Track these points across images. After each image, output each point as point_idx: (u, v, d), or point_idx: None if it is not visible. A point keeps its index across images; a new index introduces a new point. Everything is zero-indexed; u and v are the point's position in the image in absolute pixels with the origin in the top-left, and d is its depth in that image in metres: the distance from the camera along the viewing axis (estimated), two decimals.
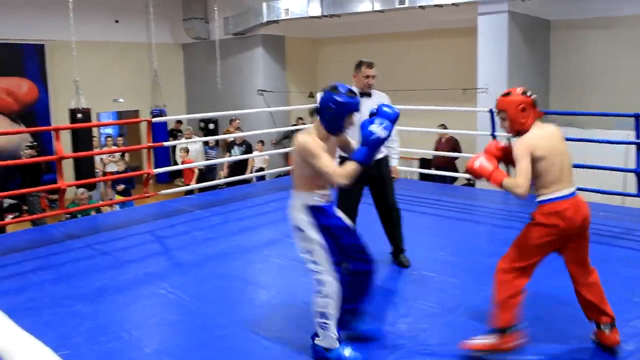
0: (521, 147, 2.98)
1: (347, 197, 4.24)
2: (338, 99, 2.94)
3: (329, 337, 3.01)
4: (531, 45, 10.28)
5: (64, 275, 4.52)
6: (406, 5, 10.41)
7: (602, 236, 5.17)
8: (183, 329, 3.58)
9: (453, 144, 10.26)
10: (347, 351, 3.01)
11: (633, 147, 6.19)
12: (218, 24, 13.44)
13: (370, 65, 4.33)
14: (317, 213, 3.02)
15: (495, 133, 7.10)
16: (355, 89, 3.89)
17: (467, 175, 9.41)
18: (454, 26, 11.70)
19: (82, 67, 10.77)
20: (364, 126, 2.98)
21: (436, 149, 10.18)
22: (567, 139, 8.66)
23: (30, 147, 10.28)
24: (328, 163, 2.91)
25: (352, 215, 4.19)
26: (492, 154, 3.19)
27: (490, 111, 7.05)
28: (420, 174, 10.32)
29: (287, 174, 10.12)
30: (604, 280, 3.20)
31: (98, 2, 12.98)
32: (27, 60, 12.27)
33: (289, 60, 14.26)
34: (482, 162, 3.11)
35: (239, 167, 10.74)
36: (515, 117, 3.04)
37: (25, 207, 10.37)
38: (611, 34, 10.02)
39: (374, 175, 4.32)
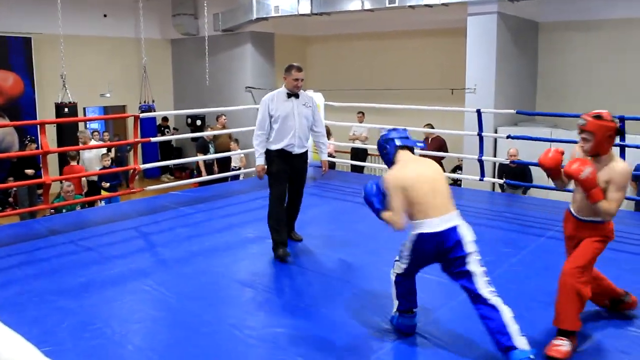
0: (626, 179, 3.10)
1: (280, 191, 4.84)
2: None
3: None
4: (519, 46, 10.36)
5: (48, 271, 4.49)
6: (396, 4, 10.42)
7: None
8: (167, 326, 3.57)
9: (440, 144, 10.29)
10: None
11: (617, 150, 6.25)
12: (207, 20, 13.38)
13: (299, 69, 4.74)
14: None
15: (482, 133, 7.14)
16: (284, 89, 4.69)
17: (454, 175, 9.52)
18: (443, 26, 11.76)
19: (69, 61, 10.67)
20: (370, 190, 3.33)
21: (422, 149, 10.21)
22: (553, 141, 8.75)
23: (32, 141, 10.23)
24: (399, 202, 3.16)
25: (284, 208, 4.88)
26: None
27: (478, 111, 7.10)
28: None
29: None
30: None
31: None
32: (13, 53, 12.14)
33: (278, 58, 14.23)
34: (591, 172, 3.06)
35: (221, 166, 10.75)
36: (601, 142, 3.10)
37: (11, 200, 10.31)
38: (598, 36, 10.11)
39: (295, 168, 4.86)
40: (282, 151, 4.76)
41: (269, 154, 4.82)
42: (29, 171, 9.57)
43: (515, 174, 8.16)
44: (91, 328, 3.45)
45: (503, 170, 8.41)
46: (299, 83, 4.72)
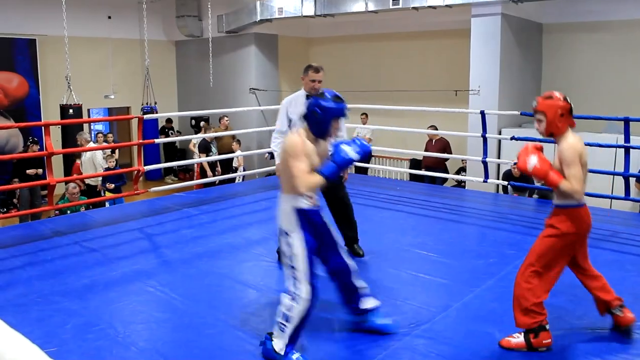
0: (573, 152, 3.04)
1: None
2: (324, 104, 3.05)
3: (283, 341, 2.99)
4: (523, 47, 10.34)
5: (52, 272, 4.49)
6: (400, 6, 10.43)
7: (589, 239, 5.20)
8: (171, 327, 3.57)
9: (443, 145, 10.29)
10: (295, 356, 2.99)
11: (621, 151, 6.23)
12: (211, 22, 13.41)
13: (317, 70, 4.55)
14: (303, 217, 3.06)
15: (486, 135, 7.13)
16: (303, 91, 4.50)
17: (457, 177, 9.51)
18: (446, 28, 11.74)
19: (73, 62, 10.70)
20: (337, 145, 3.08)
21: (426, 150, 10.22)
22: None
23: (35, 143, 10.25)
24: (302, 167, 2.96)
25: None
26: (539, 152, 3.17)
27: (482, 113, 7.08)
28: (411, 174, 10.35)
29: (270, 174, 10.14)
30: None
31: None
32: (18, 54, 12.19)
33: (282, 59, 14.26)
34: (538, 160, 3.10)
35: (224, 167, 10.78)
36: (553, 121, 3.09)
37: (15, 201, 10.33)
38: (602, 38, 10.08)
39: None
40: None
41: None
42: (31, 171, 9.56)
43: (521, 178, 8.14)
44: (95, 329, 3.45)
45: (508, 176, 8.38)
46: (317, 84, 4.54)
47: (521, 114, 7.39)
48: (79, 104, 10.67)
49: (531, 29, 10.63)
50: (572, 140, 3.08)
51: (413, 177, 10.10)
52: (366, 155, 3.13)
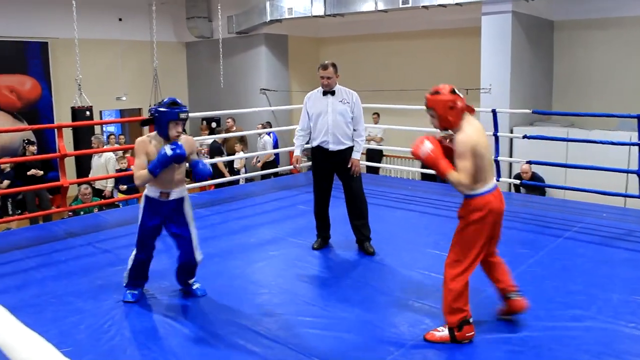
0: (464, 145, 3.08)
1: (318, 188, 4.98)
2: (159, 108, 3.69)
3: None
4: (535, 45, 10.28)
5: (66, 273, 4.53)
6: (409, 5, 10.40)
7: (603, 237, 5.18)
8: (184, 328, 3.58)
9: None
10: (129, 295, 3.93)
11: (635, 148, 6.18)
12: (221, 23, 13.45)
13: (324, 67, 4.79)
14: (145, 203, 3.79)
15: (498, 133, 7.10)
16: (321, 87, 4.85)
17: None
18: (457, 26, 11.70)
19: (85, 65, 10.78)
20: (162, 149, 3.58)
21: None
22: (569, 140, 8.64)
23: (31, 143, 10.24)
24: (137, 163, 3.68)
25: (324, 205, 4.98)
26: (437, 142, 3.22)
27: (493, 111, 7.05)
28: (422, 173, 10.32)
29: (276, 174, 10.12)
30: (606, 281, 3.20)
31: (102, 0, 13.00)
32: (31, 57, 12.29)
33: (292, 59, 14.27)
34: (430, 148, 3.14)
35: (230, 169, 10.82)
36: (443, 115, 3.14)
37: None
38: (615, 34, 10.00)
39: (337, 165, 4.88)
40: (319, 148, 4.87)
41: (311, 151, 5.00)
42: (32, 172, 9.43)
43: (531, 178, 8.12)
44: (109, 329, 3.47)
45: (519, 178, 8.34)
46: (325, 81, 4.76)
47: (533, 112, 7.36)
48: (90, 106, 10.74)
49: (542, 26, 10.57)
50: (468, 132, 3.10)
51: (425, 177, 10.06)
52: (179, 156, 3.56)
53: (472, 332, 3.22)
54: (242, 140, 10.94)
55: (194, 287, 4.06)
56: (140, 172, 3.62)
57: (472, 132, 3.10)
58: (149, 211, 3.79)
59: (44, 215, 7.92)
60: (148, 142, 3.66)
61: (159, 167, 3.56)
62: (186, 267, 3.95)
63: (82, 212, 7.44)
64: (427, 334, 3.30)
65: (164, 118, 3.64)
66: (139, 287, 4.00)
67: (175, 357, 3.18)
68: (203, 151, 11.25)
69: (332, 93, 4.82)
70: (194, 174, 3.81)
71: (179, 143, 3.62)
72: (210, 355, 3.20)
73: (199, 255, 3.92)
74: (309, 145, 5.09)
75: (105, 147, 9.91)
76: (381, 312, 3.71)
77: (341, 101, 4.81)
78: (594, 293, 3.53)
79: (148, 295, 4.05)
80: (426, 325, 3.46)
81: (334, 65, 4.79)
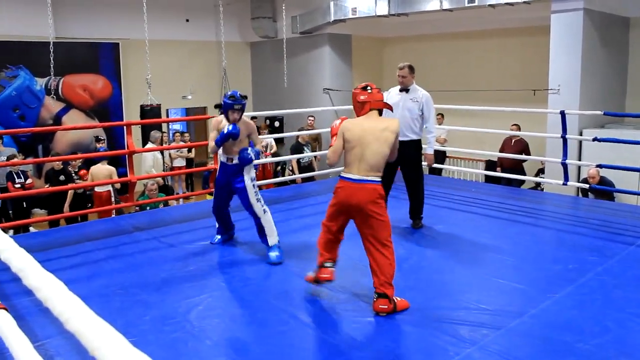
0: (340, 128, 3.79)
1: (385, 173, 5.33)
2: (223, 99, 4.71)
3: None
4: (608, 43, 9.86)
5: (132, 265, 4.68)
6: (476, 3, 10.18)
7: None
8: (244, 323, 3.64)
9: (522, 146, 9.99)
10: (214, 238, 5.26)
11: None
12: (285, 23, 13.57)
13: (400, 67, 5.52)
14: (220, 165, 4.95)
15: (566, 135, 6.87)
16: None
17: (535, 179, 9.20)
18: (525, 25, 11.38)
19: (153, 64, 11.11)
20: (224, 127, 4.70)
21: (503, 150, 9.93)
22: None
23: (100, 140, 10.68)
24: (211, 136, 4.85)
25: (387, 188, 5.24)
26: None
27: (562, 113, 6.83)
28: (486, 176, 10.10)
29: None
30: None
31: (170, 2, 13.38)
32: (103, 57, 12.78)
33: (355, 59, 14.23)
34: (336, 123, 3.87)
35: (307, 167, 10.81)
36: (354, 105, 3.90)
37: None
38: None
39: (405, 157, 5.28)
40: None
41: None
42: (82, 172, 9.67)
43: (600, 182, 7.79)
44: (171, 322, 3.57)
45: (586, 182, 8.03)
46: (400, 79, 5.50)
47: (604, 114, 7.07)
48: (158, 105, 11.07)
49: (617, 24, 10.13)
50: (352, 120, 3.79)
51: (488, 179, 9.85)
52: (232, 134, 4.61)
53: (327, 275, 3.82)
54: (316, 139, 10.99)
55: (270, 253, 4.73)
56: (211, 143, 4.80)
57: (356, 122, 3.77)
58: (220, 170, 4.92)
59: (116, 209, 8.19)
60: (219, 122, 4.81)
61: (220, 140, 4.68)
62: (256, 223, 4.87)
63: (148, 207, 7.68)
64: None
65: (225, 107, 4.70)
66: (221, 234, 5.25)
67: (235, 352, 3.22)
68: (264, 151, 11.36)
69: (407, 91, 5.52)
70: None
71: (236, 125, 4.66)
72: (268, 351, 3.22)
73: (259, 208, 4.82)
74: None
75: (150, 145, 10.28)
76: (442, 318, 3.65)
77: (412, 99, 5.48)
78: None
79: (210, 289, 4.13)
80: (486, 332, 3.38)
81: (410, 67, 5.47)
